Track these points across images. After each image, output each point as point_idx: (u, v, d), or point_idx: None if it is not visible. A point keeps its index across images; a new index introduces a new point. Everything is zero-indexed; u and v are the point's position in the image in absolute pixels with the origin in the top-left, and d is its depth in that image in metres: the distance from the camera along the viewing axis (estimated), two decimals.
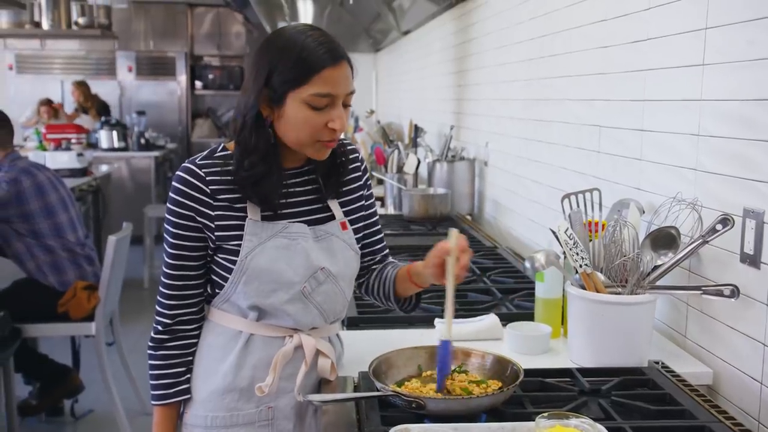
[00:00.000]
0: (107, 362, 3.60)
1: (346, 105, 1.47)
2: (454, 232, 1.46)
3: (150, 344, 1.56)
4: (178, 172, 1.50)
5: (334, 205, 1.59)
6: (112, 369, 3.66)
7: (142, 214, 6.52)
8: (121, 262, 3.74)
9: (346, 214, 1.61)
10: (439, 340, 1.45)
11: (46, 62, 10.28)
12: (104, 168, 6.69)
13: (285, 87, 1.42)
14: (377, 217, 1.73)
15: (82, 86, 8.68)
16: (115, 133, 7.83)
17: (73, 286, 3.52)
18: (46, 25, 7.36)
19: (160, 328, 1.55)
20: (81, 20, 7.50)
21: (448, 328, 1.44)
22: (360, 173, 1.67)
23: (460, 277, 1.46)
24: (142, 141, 8.00)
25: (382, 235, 1.74)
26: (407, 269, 1.61)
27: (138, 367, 4.05)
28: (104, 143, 7.81)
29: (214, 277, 1.54)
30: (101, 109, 8.62)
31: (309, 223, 1.54)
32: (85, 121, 8.21)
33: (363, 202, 1.67)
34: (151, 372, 1.56)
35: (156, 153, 8.03)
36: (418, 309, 2.07)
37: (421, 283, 1.59)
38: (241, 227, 1.49)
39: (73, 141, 6.74)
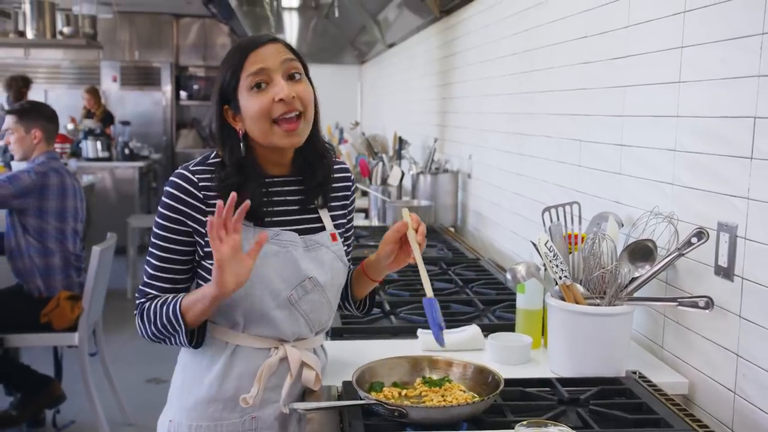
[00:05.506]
0: (90, 372, 3.59)
1: (292, 76, 1.51)
2: (405, 211, 1.58)
3: (137, 322, 1.55)
4: (171, 178, 1.53)
5: (325, 216, 1.62)
6: (94, 379, 3.65)
7: (125, 225, 6.50)
8: (105, 273, 3.74)
9: (336, 227, 1.64)
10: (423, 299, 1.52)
11: (30, 71, 10.24)
12: (88, 178, 6.67)
13: (231, 87, 1.50)
14: (352, 232, 1.77)
15: (94, 93, 8.77)
16: (99, 143, 7.81)
17: (57, 296, 3.52)
18: (30, 34, 7.35)
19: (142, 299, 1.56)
20: (66, 30, 7.50)
21: (428, 287, 1.51)
22: (350, 192, 1.71)
23: (422, 244, 1.56)
24: (126, 151, 7.98)
25: (351, 249, 1.78)
26: (361, 266, 1.68)
27: (121, 378, 4.05)
28: (88, 153, 7.79)
29: (202, 283, 1.55)
30: (105, 117, 8.64)
31: (299, 232, 1.57)
32: (89, 123, 8.28)
33: (346, 221, 1.70)
34: (154, 335, 1.52)
35: (140, 163, 8.02)
36: (400, 319, 2.12)
37: (375, 275, 1.66)
38: None
39: (57, 150, 6.72)
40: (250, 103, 1.49)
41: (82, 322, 3.52)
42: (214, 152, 1.57)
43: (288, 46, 1.53)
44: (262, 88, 1.48)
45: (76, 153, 7.85)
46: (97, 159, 7.80)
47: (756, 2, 1.44)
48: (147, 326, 1.53)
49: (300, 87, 1.51)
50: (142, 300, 1.55)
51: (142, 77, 10.68)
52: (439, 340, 1.47)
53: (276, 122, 1.49)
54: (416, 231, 1.55)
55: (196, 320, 1.49)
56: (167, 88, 10.74)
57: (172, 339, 1.52)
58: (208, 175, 1.52)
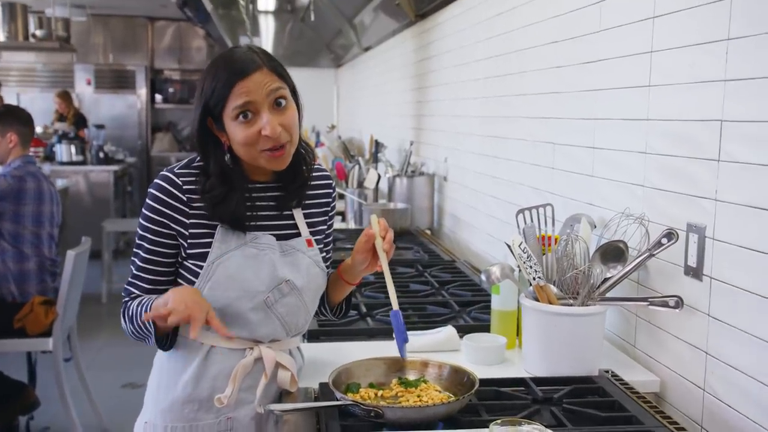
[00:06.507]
0: (64, 378, 3.56)
1: (278, 104, 1.49)
2: (374, 218, 1.60)
3: (121, 320, 1.57)
4: (156, 180, 1.54)
5: (300, 222, 1.63)
6: (69, 385, 3.62)
7: (100, 229, 6.45)
8: (80, 277, 3.71)
9: (313, 233, 1.65)
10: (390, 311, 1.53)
11: (2, 74, 10.14)
12: (62, 182, 6.61)
13: (217, 110, 1.48)
14: (332, 238, 1.77)
15: (65, 97, 8.72)
16: (73, 146, 7.75)
17: (30, 301, 3.49)
18: (1, 36, 7.27)
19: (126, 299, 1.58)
20: (39, 32, 7.43)
21: (394, 299, 1.53)
22: (330, 200, 1.71)
23: (390, 252, 1.58)
24: (101, 155, 7.92)
25: (331, 255, 1.79)
26: (337, 270, 1.69)
27: (96, 383, 4.02)
28: (62, 157, 7.72)
29: (182, 282, 1.56)
30: (78, 120, 8.58)
31: (276, 237, 1.58)
32: (62, 126, 8.23)
33: (327, 227, 1.71)
34: (134, 334, 1.53)
35: (115, 167, 7.96)
36: (376, 321, 2.13)
37: (351, 279, 1.67)
38: (212, 235, 1.52)
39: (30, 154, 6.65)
40: (236, 131, 1.48)
41: (56, 327, 3.49)
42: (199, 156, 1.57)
43: (274, 69, 1.50)
44: (249, 118, 1.47)
45: (50, 157, 7.78)
46: (71, 163, 7.74)
47: (722, 9, 1.47)
48: (128, 325, 1.54)
49: (285, 116, 1.50)
50: (126, 299, 1.57)
51: (116, 80, 10.61)
52: (402, 353, 1.50)
53: (261, 150, 1.50)
54: (384, 238, 1.57)
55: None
56: (142, 91, 10.67)
57: (148, 340, 1.53)
58: (193, 178, 1.53)
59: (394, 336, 1.50)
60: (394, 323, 1.50)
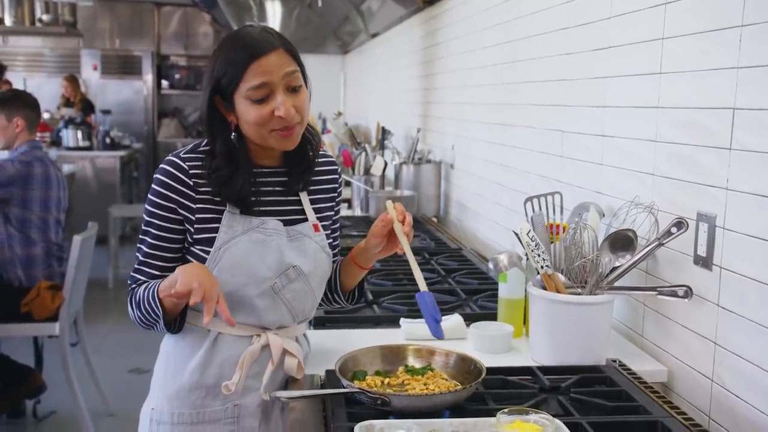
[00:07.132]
0: (71, 363, 3.58)
1: (293, 89, 1.49)
2: (389, 203, 1.59)
3: (128, 308, 1.56)
4: (162, 165, 1.53)
5: (307, 206, 1.62)
6: (75, 369, 3.63)
7: (107, 214, 6.46)
8: (86, 262, 3.72)
9: (320, 219, 1.64)
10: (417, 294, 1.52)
11: (9, 59, 10.12)
12: (68, 167, 6.62)
13: (229, 89, 1.47)
14: (339, 225, 1.77)
15: (72, 81, 8.73)
16: (79, 132, 7.75)
17: (37, 286, 3.50)
18: (8, 21, 7.26)
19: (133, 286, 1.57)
20: (45, 17, 7.42)
21: (420, 281, 1.52)
22: (336, 185, 1.71)
23: (410, 235, 1.57)
24: (107, 140, 7.92)
25: (339, 242, 1.79)
26: (350, 254, 1.68)
27: (102, 368, 4.04)
28: (69, 142, 7.73)
29: None
30: (86, 106, 8.58)
31: (283, 222, 1.58)
32: (69, 111, 8.24)
33: (333, 213, 1.71)
34: (141, 321, 1.53)
35: (121, 152, 7.96)
36: (383, 308, 2.13)
37: (364, 263, 1.66)
38: (219, 220, 1.52)
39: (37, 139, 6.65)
40: (248, 111, 1.47)
41: (63, 311, 3.50)
42: (205, 140, 1.57)
43: (290, 51, 1.50)
44: (264, 99, 1.46)
45: (57, 142, 7.78)
46: (78, 148, 7.74)
47: None
48: (135, 312, 1.54)
49: (299, 99, 1.49)
50: (133, 286, 1.56)
51: (123, 66, 10.59)
52: (437, 334, 1.47)
53: (271, 131, 1.49)
54: (402, 222, 1.56)
55: (173, 305, 1.49)
56: (148, 77, 10.65)
57: (156, 326, 1.52)
58: (199, 163, 1.52)
59: (424, 318, 1.48)
60: (422, 305, 1.48)
